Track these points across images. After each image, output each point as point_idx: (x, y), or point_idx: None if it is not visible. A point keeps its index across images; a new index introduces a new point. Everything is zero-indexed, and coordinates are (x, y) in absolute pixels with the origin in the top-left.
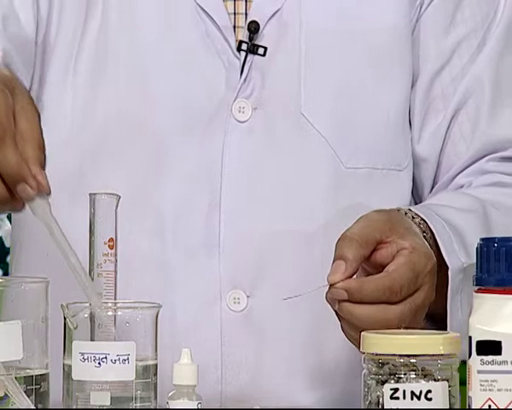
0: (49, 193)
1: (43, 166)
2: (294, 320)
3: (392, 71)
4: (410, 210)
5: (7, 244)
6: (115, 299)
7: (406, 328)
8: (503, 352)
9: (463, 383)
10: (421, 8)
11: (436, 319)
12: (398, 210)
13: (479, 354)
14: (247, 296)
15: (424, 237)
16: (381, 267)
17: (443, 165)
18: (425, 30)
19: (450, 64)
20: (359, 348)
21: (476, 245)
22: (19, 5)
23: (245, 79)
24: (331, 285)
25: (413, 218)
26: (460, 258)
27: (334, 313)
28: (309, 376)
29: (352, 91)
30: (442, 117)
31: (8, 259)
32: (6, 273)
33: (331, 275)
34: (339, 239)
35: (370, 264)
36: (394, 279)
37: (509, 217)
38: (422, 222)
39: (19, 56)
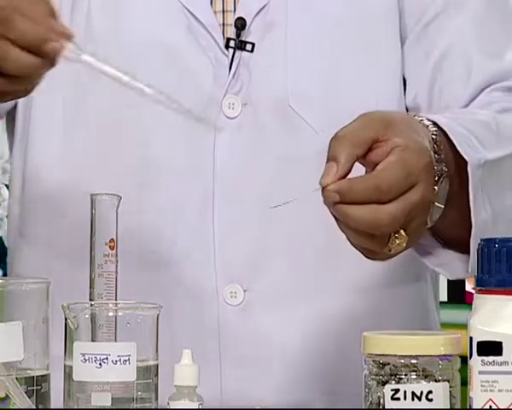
0: (73, 36)
1: (54, 15)
2: (292, 313)
3: (381, 57)
4: (422, 118)
5: (7, 244)
6: (116, 299)
7: (404, 231)
8: (503, 352)
9: (464, 383)
10: None
11: (450, 241)
12: (413, 115)
13: (480, 354)
14: (244, 290)
15: (436, 141)
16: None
17: (437, 109)
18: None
19: (433, 22)
20: (364, 254)
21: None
22: None
23: (233, 76)
24: (323, 188)
25: (421, 120)
26: (476, 153)
27: (332, 309)
28: (307, 369)
29: (340, 82)
30: (425, 64)
31: (8, 259)
32: (6, 274)
33: (323, 177)
34: (331, 139)
35: (367, 164)
36: (383, 178)
37: None
38: (432, 124)
39: None
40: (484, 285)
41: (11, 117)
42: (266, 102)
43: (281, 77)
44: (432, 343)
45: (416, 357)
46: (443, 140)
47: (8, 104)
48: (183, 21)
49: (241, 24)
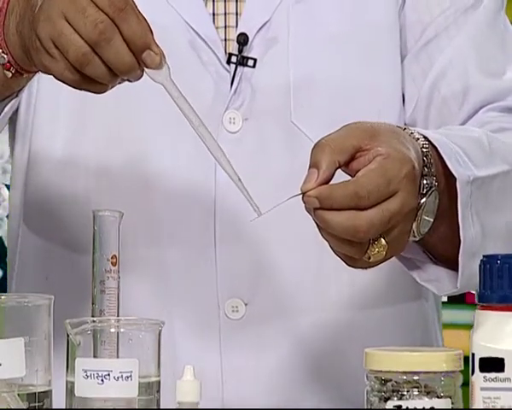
0: (165, 59)
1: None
2: (293, 327)
3: (383, 73)
4: (412, 131)
5: (7, 244)
6: (118, 315)
7: (384, 239)
8: (505, 369)
9: (466, 383)
10: (404, 1)
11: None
12: (403, 129)
13: (482, 371)
14: (246, 304)
15: (426, 155)
16: None
17: (434, 126)
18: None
19: (433, 41)
20: (345, 261)
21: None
22: None
23: (235, 91)
24: (304, 194)
25: (411, 133)
26: (466, 169)
27: (332, 324)
28: (308, 382)
29: (342, 97)
30: (423, 81)
31: (8, 259)
32: (5, 273)
33: (304, 183)
34: (313, 146)
35: (350, 172)
36: (362, 184)
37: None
38: (423, 138)
39: None
40: (486, 301)
41: (12, 120)
42: (268, 117)
43: (283, 92)
44: (434, 360)
45: (418, 373)
46: (433, 154)
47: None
48: (185, 36)
49: (243, 39)
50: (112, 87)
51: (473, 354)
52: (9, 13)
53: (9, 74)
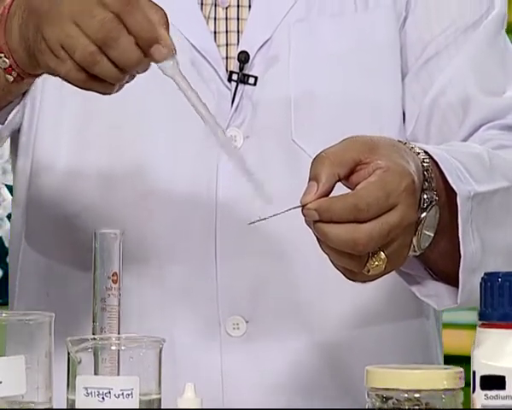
0: (175, 52)
1: (167, 27)
2: (294, 345)
3: (383, 91)
4: (413, 145)
5: (7, 244)
6: (118, 333)
7: (383, 253)
8: (507, 387)
9: (467, 384)
10: (405, 19)
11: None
12: (404, 143)
13: (483, 388)
14: (247, 322)
15: (426, 169)
16: None
17: (434, 144)
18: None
19: (433, 59)
20: (344, 275)
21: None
22: None
23: (236, 109)
24: (304, 206)
25: (412, 147)
26: (467, 185)
27: (333, 341)
28: (309, 399)
29: (343, 115)
30: (423, 99)
31: (8, 259)
32: (6, 273)
33: (303, 196)
34: (313, 159)
35: (350, 186)
36: (361, 197)
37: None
38: (423, 153)
39: None
40: (487, 319)
41: (14, 137)
42: (269, 135)
43: (283, 110)
44: (435, 377)
45: (419, 391)
46: (434, 169)
47: (15, 121)
48: (186, 54)
49: (244, 57)
50: (120, 88)
51: (474, 372)
52: (11, 17)
53: (11, 78)
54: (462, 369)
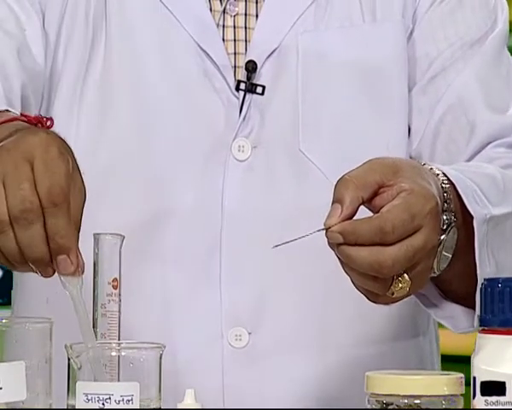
0: (82, 273)
1: (78, 229)
2: (296, 358)
3: (391, 104)
4: (432, 166)
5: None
6: (119, 339)
7: (408, 275)
8: (507, 393)
9: (468, 383)
10: (411, 32)
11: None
12: (423, 164)
13: (483, 394)
14: (249, 333)
15: (446, 191)
16: None
17: (439, 161)
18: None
19: (440, 75)
20: (367, 297)
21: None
22: (31, 39)
23: (244, 118)
24: (327, 229)
25: (431, 169)
26: (483, 208)
27: (335, 353)
28: None
29: (350, 126)
30: (430, 116)
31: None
32: (6, 273)
33: (327, 219)
34: (337, 182)
35: (373, 208)
36: (386, 219)
37: None
38: (442, 174)
39: (31, 89)
40: (487, 325)
41: None
42: (276, 145)
43: (291, 120)
44: (435, 383)
45: (419, 397)
46: (452, 191)
47: None
48: (197, 61)
49: (251, 67)
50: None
51: (474, 378)
52: None
53: None
54: (462, 375)
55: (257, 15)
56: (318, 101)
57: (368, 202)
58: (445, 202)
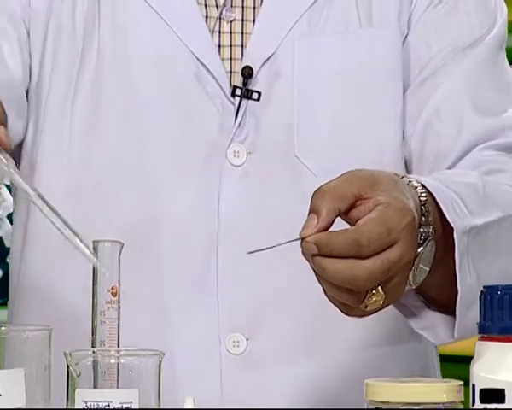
0: (9, 148)
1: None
2: (295, 363)
3: (386, 108)
4: (410, 179)
5: (7, 244)
6: (118, 346)
7: (382, 289)
8: (506, 400)
9: (467, 383)
10: (406, 37)
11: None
12: (401, 177)
13: (482, 402)
14: (247, 339)
15: (424, 204)
16: None
17: (427, 163)
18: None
19: (430, 78)
20: (340, 309)
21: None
22: (7, 52)
23: (239, 124)
24: (303, 239)
25: (410, 182)
26: (463, 219)
27: (334, 359)
28: None
29: (345, 132)
30: (418, 119)
31: (8, 259)
32: (6, 273)
33: (303, 229)
34: (314, 192)
35: (350, 221)
36: (362, 232)
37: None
38: (421, 186)
39: (10, 103)
40: (486, 332)
41: (17, 154)
42: (272, 150)
43: (286, 126)
44: (434, 390)
45: (418, 404)
46: (430, 202)
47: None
48: (191, 68)
49: (247, 72)
50: None
51: (473, 385)
52: None
53: None
54: (461, 382)
55: (254, 21)
56: (314, 106)
57: (344, 214)
58: (423, 215)
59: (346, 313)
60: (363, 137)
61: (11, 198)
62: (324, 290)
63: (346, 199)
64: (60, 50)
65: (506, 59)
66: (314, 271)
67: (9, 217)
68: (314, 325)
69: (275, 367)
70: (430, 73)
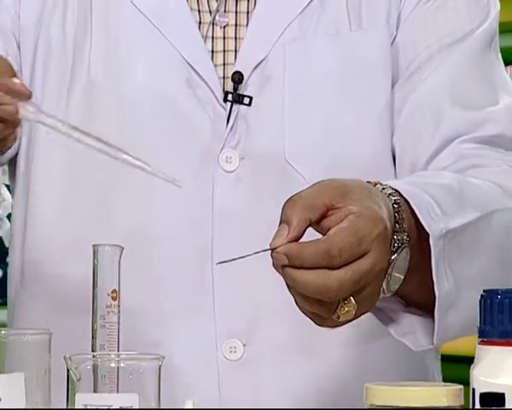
0: (31, 97)
1: (11, 73)
2: (292, 368)
3: (376, 110)
4: (384, 186)
5: (7, 244)
6: (118, 350)
7: (354, 299)
8: (506, 404)
9: (467, 383)
10: (394, 37)
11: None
12: (374, 184)
13: (482, 405)
14: (244, 345)
15: (398, 211)
16: None
17: (408, 158)
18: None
19: (415, 74)
20: (312, 320)
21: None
22: None
23: (231, 129)
24: (273, 249)
25: (383, 189)
26: (439, 222)
27: (332, 362)
28: None
29: (337, 137)
30: (400, 113)
31: (8, 259)
32: (5, 273)
33: (273, 239)
34: (285, 202)
35: (322, 230)
36: (333, 242)
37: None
38: (395, 192)
39: None
40: (486, 336)
41: (13, 163)
42: (263, 156)
43: (277, 131)
44: (434, 395)
45: (418, 408)
46: (405, 208)
47: (10, 152)
48: (183, 74)
49: (237, 78)
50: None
51: (473, 389)
52: None
53: None
54: (461, 386)
55: (248, 25)
56: (304, 110)
57: (316, 224)
58: (397, 222)
59: (318, 324)
60: (354, 140)
61: (11, 198)
62: (296, 302)
63: (318, 209)
64: (50, 63)
65: (499, 53)
66: (286, 282)
67: (9, 217)
68: (311, 330)
69: (272, 372)
70: (416, 68)
